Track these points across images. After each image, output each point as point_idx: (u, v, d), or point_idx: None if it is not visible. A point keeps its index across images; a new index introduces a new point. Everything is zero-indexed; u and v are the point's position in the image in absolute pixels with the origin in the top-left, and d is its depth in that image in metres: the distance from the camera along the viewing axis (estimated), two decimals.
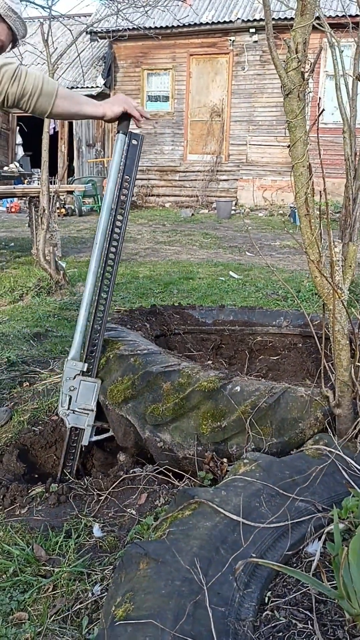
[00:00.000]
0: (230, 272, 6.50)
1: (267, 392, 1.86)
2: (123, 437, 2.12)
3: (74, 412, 2.13)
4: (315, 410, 1.83)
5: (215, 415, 1.89)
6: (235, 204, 14.32)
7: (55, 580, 1.60)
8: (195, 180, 15.14)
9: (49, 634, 1.42)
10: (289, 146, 1.60)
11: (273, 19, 1.48)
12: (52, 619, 1.46)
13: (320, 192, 1.61)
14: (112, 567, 1.63)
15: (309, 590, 1.28)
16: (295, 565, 1.36)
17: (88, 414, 2.13)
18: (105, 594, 1.51)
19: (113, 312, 2.79)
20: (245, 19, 13.65)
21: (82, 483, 2.07)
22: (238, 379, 1.96)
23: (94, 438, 2.20)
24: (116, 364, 2.13)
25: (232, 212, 13.40)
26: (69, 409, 2.12)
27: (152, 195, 15.50)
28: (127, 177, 2.19)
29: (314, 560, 1.34)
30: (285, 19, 11.85)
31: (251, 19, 13.60)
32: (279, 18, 11.46)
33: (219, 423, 1.88)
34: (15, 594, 1.56)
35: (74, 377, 2.12)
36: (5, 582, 1.60)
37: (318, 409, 1.83)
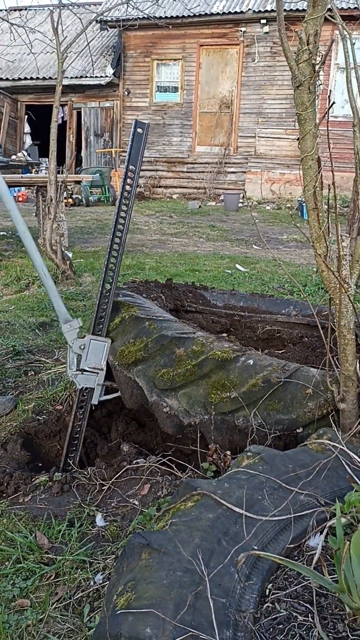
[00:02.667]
0: (237, 265, 6.49)
1: (279, 368, 1.85)
2: (129, 399, 2.11)
3: (82, 373, 2.12)
4: (325, 391, 1.82)
5: (225, 385, 1.88)
6: (243, 196, 14.27)
7: (58, 568, 1.61)
8: (203, 172, 15.09)
9: (51, 621, 1.43)
10: (298, 139, 1.59)
11: (284, 10, 1.46)
12: (53, 606, 1.47)
13: (329, 185, 1.60)
14: (114, 556, 1.64)
15: (309, 583, 1.28)
16: (296, 558, 1.36)
17: (98, 373, 2.12)
18: (107, 582, 1.52)
19: (129, 282, 2.79)
20: (257, 10, 13.55)
21: (85, 473, 2.08)
22: (252, 352, 1.95)
23: (103, 397, 2.20)
24: (130, 326, 2.12)
25: (240, 204, 13.35)
26: (77, 369, 2.11)
27: (160, 187, 15.46)
28: (132, 167, 2.18)
29: (315, 553, 1.34)
30: (297, 10, 11.77)
31: (262, 10, 13.50)
32: (290, 9, 11.37)
33: (228, 394, 1.86)
34: (17, 581, 1.57)
35: (82, 337, 2.12)
36: (8, 569, 1.61)
37: (328, 390, 1.82)
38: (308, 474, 1.56)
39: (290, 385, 1.82)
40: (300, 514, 1.43)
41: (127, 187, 2.12)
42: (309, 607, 1.23)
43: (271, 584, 1.28)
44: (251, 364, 1.88)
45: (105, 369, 2.14)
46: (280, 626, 1.18)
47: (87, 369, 2.12)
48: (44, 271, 2.19)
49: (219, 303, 2.95)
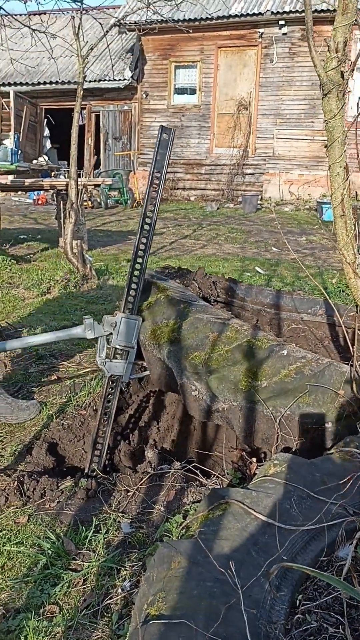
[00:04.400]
0: (256, 268, 6.47)
1: (313, 361, 1.84)
2: (158, 380, 2.10)
3: (111, 360, 2.12)
4: (357, 388, 1.79)
5: (257, 373, 1.86)
6: (261, 198, 14.22)
7: (85, 575, 1.62)
8: (221, 173, 15.08)
9: (80, 628, 1.44)
10: (326, 146, 1.58)
11: (304, 11, 1.45)
12: (82, 613, 1.48)
13: (356, 192, 1.59)
14: (141, 563, 1.65)
15: (340, 594, 1.27)
16: (326, 569, 1.36)
17: (128, 351, 2.11)
18: (135, 590, 1.53)
19: (162, 268, 2.79)
20: (275, 11, 13.50)
21: (110, 479, 2.09)
22: (286, 344, 1.94)
23: (133, 376, 2.19)
24: (164, 306, 2.11)
25: (258, 206, 13.31)
26: (106, 357, 2.11)
27: (178, 189, 15.48)
28: (158, 173, 2.18)
29: (345, 564, 1.33)
30: (322, 11, 11.72)
31: (281, 11, 13.45)
32: (315, 10, 11.30)
33: (259, 382, 1.84)
34: (46, 587, 1.58)
35: (112, 314, 2.13)
36: (36, 575, 1.62)
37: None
38: (336, 483, 1.55)
39: (323, 378, 1.80)
40: (329, 523, 1.42)
41: (153, 193, 2.12)
42: (340, 618, 1.22)
43: (301, 595, 1.28)
44: (285, 354, 1.87)
45: (136, 347, 2.12)
46: (311, 638, 1.18)
47: (118, 347, 2.10)
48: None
49: (247, 298, 2.94)
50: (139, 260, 2.10)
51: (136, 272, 2.10)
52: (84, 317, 2.20)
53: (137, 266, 2.10)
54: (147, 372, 2.18)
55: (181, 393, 2.00)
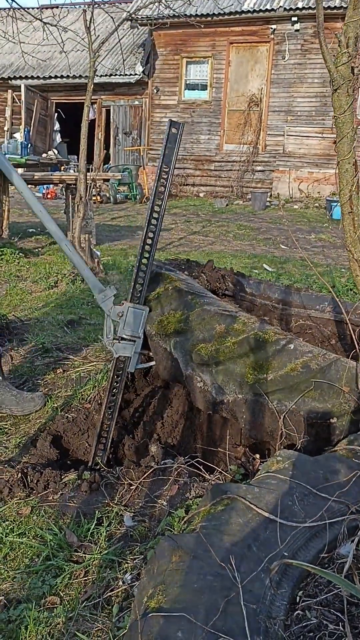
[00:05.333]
0: (264, 265, 6.46)
1: (320, 356, 1.83)
2: (164, 370, 2.10)
3: (119, 342, 2.10)
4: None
5: (263, 366, 1.85)
6: (271, 195, 14.18)
7: (87, 567, 1.63)
8: (231, 170, 15.04)
9: (80, 620, 1.44)
10: (335, 142, 1.57)
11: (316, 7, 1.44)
12: (83, 604, 1.49)
13: None
14: (142, 556, 1.65)
15: (340, 591, 1.27)
16: (327, 566, 1.35)
17: (135, 341, 2.11)
18: (136, 583, 1.53)
19: (171, 259, 2.79)
20: (288, 7, 13.43)
21: (113, 472, 2.09)
22: (293, 338, 1.93)
23: (140, 366, 2.18)
24: (172, 297, 2.10)
25: (267, 203, 13.28)
26: (114, 338, 2.10)
27: (187, 185, 15.46)
28: (165, 167, 2.17)
29: (346, 562, 1.33)
30: (335, 7, 11.66)
31: (293, 7, 13.38)
32: (328, 7, 11.23)
33: (265, 375, 1.84)
34: (47, 578, 1.59)
35: (119, 304, 2.11)
36: (38, 565, 1.63)
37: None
38: (339, 481, 1.55)
39: (329, 374, 1.79)
40: (331, 521, 1.42)
41: (161, 188, 2.11)
42: (340, 615, 1.22)
43: (301, 591, 1.28)
44: (292, 348, 1.86)
45: (142, 337, 2.11)
46: (311, 634, 1.18)
47: (125, 336, 2.10)
48: (67, 246, 2.17)
49: (255, 292, 2.93)
50: (147, 248, 2.09)
51: (144, 261, 2.09)
52: (111, 285, 2.17)
53: (145, 254, 2.09)
54: (153, 363, 2.17)
55: (187, 384, 1.99)
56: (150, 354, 2.17)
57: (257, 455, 1.91)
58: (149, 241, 2.09)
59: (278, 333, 1.91)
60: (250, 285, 2.94)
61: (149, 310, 2.10)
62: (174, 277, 2.22)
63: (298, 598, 1.25)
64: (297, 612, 1.22)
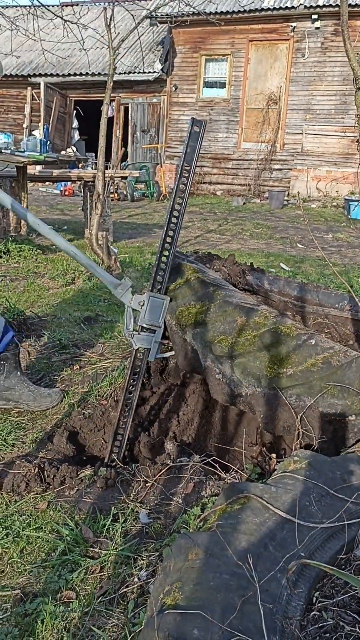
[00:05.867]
0: (281, 264, 6.43)
1: (341, 352, 1.82)
2: (183, 361, 2.09)
3: (139, 333, 2.10)
4: None
5: (283, 360, 1.84)
6: (288, 194, 14.11)
7: (103, 563, 1.63)
8: (249, 168, 14.99)
9: (96, 615, 1.45)
10: (357, 141, 1.56)
11: (338, 5, 1.43)
12: (98, 600, 1.50)
13: None
14: (158, 553, 1.65)
15: (357, 593, 1.26)
16: (344, 567, 1.35)
17: (155, 331, 2.10)
18: (151, 579, 1.54)
19: (192, 252, 2.78)
20: (308, 5, 13.35)
21: (129, 469, 2.10)
22: (315, 333, 1.92)
23: (159, 355, 2.17)
24: (194, 288, 2.10)
25: (285, 202, 13.21)
26: (134, 330, 2.10)
27: (204, 183, 15.44)
28: (187, 165, 2.17)
29: None
30: (357, 5, 11.56)
31: (314, 5, 13.29)
32: (350, 4, 11.13)
33: (285, 369, 1.83)
34: (63, 573, 1.60)
35: (140, 292, 2.11)
36: (54, 560, 1.64)
37: None
38: (356, 482, 1.54)
39: (350, 371, 1.78)
40: (348, 522, 1.41)
41: (181, 186, 2.10)
42: (357, 617, 1.22)
43: (318, 592, 1.27)
44: (313, 343, 1.85)
45: (162, 327, 2.11)
46: (327, 635, 1.17)
47: (145, 325, 2.09)
48: (74, 252, 2.17)
49: (275, 288, 2.91)
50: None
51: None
52: (125, 277, 2.18)
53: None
54: (172, 353, 2.17)
55: (205, 376, 1.99)
56: (170, 344, 2.17)
57: (273, 455, 1.90)
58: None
59: (299, 328, 1.90)
60: (269, 281, 2.93)
61: (169, 300, 2.10)
62: (196, 268, 2.22)
63: (314, 599, 1.25)
64: (313, 612, 1.21)
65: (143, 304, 2.07)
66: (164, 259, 2.08)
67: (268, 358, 1.85)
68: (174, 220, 2.08)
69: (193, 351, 2.01)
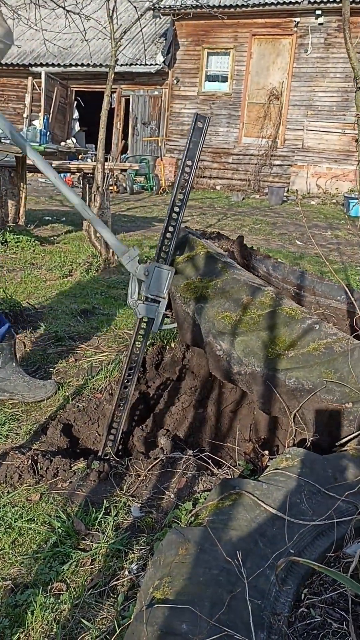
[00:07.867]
0: (279, 260, 6.43)
1: (344, 339, 1.82)
2: (184, 334, 2.09)
3: (143, 303, 2.09)
4: None
5: (285, 342, 1.84)
6: (288, 190, 14.10)
7: (94, 555, 1.64)
8: (249, 164, 14.96)
9: (86, 607, 1.46)
10: (356, 140, 1.56)
11: (342, 1, 1.42)
12: (89, 592, 1.51)
13: None
14: (149, 547, 1.66)
15: (345, 591, 1.27)
16: (333, 565, 1.36)
17: (159, 302, 2.10)
18: (142, 573, 1.55)
19: (201, 229, 2.77)
20: (312, 0, 13.29)
21: (123, 462, 2.10)
22: (319, 319, 1.92)
23: (164, 327, 2.17)
24: (202, 262, 2.10)
25: (284, 198, 13.20)
26: (138, 298, 2.09)
27: (204, 177, 15.41)
28: (189, 161, 2.16)
29: (352, 561, 1.33)
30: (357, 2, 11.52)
31: (318, 1, 13.23)
32: (352, 1, 11.09)
33: (286, 351, 1.82)
34: (54, 565, 1.61)
35: (144, 262, 2.09)
36: (46, 552, 1.65)
37: None
38: (348, 481, 1.55)
39: (352, 358, 1.78)
40: (338, 520, 1.42)
41: (183, 181, 2.09)
42: (344, 614, 1.23)
43: (306, 589, 1.28)
44: (317, 328, 1.85)
45: (167, 298, 2.10)
46: (315, 632, 1.18)
47: (149, 296, 2.08)
48: (87, 211, 2.14)
49: (279, 275, 2.91)
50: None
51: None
52: (132, 247, 2.16)
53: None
54: (175, 324, 2.16)
55: (206, 350, 1.98)
56: (173, 315, 2.15)
57: (266, 452, 1.91)
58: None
59: (304, 312, 1.90)
60: (274, 267, 2.92)
61: (175, 272, 2.09)
62: (205, 244, 2.21)
63: (303, 595, 1.26)
64: (301, 609, 1.22)
65: (148, 274, 2.06)
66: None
67: (270, 338, 1.85)
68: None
69: (195, 325, 2.00)
